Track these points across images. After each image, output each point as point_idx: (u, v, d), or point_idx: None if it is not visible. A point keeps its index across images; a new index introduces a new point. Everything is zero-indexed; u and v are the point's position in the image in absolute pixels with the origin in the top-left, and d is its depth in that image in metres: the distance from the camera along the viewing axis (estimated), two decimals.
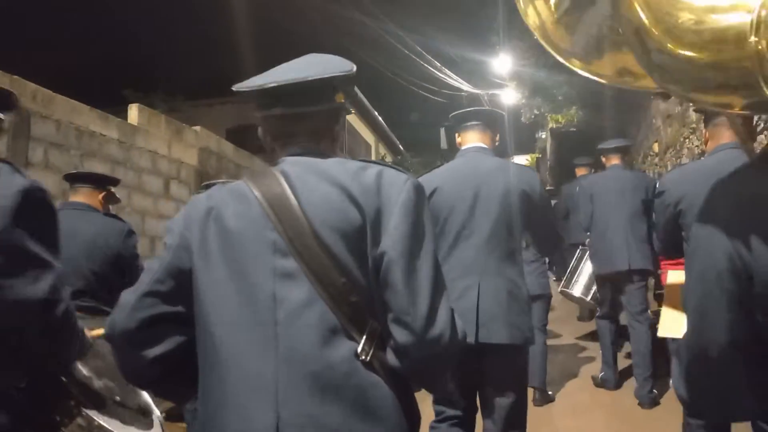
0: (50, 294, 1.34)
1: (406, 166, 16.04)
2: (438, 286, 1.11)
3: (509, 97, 15.65)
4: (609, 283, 4.09)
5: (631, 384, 4.04)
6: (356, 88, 16.75)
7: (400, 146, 21.31)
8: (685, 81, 0.76)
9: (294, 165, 1.20)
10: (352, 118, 17.96)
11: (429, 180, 2.31)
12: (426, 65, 15.37)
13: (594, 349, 4.92)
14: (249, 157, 7.42)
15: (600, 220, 4.06)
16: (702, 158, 2.33)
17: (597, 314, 4.34)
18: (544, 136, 19.46)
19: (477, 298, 2.16)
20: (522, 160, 24.95)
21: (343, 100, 1.27)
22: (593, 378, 4.33)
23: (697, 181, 2.09)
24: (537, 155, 21.68)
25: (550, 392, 4.20)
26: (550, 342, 5.52)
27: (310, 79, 1.18)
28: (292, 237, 1.10)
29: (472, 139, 2.43)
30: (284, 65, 1.27)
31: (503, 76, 14.30)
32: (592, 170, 5.82)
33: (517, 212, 2.26)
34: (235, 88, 1.23)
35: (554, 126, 15.37)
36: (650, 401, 3.77)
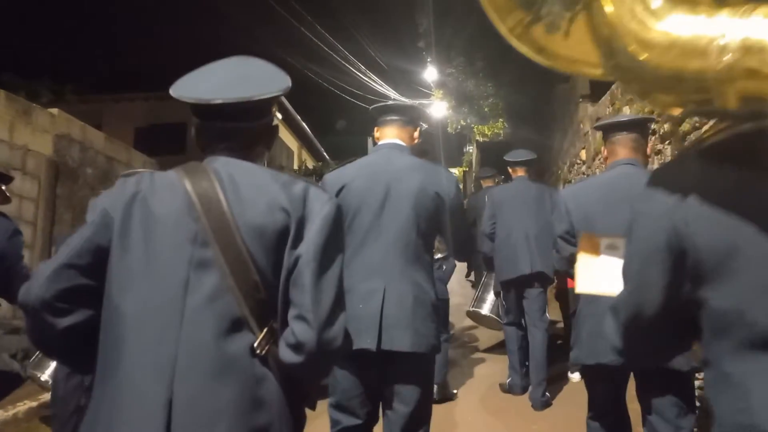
0: None
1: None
2: (340, 297, 1.22)
3: (438, 109, 15.38)
4: (513, 289, 4.33)
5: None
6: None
7: (324, 153, 20.66)
8: (647, 83, 0.89)
9: (226, 165, 1.26)
10: None
11: (338, 176, 2.26)
12: (351, 67, 14.78)
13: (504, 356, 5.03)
14: (126, 150, 6.30)
15: (504, 226, 4.35)
16: (600, 173, 2.60)
17: (504, 321, 4.57)
18: (471, 150, 19.40)
19: (382, 303, 2.10)
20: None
21: (277, 111, 1.40)
22: (500, 385, 4.45)
23: (594, 194, 2.34)
24: (464, 169, 21.64)
25: (455, 391, 4.38)
26: (460, 349, 5.74)
27: (255, 99, 1.26)
28: (214, 228, 1.17)
29: (389, 135, 2.35)
30: (219, 69, 1.32)
31: (430, 84, 13.97)
32: (496, 180, 6.41)
33: (429, 214, 2.20)
34: (175, 94, 1.25)
35: (480, 139, 15.21)
36: (542, 404, 4.05)
